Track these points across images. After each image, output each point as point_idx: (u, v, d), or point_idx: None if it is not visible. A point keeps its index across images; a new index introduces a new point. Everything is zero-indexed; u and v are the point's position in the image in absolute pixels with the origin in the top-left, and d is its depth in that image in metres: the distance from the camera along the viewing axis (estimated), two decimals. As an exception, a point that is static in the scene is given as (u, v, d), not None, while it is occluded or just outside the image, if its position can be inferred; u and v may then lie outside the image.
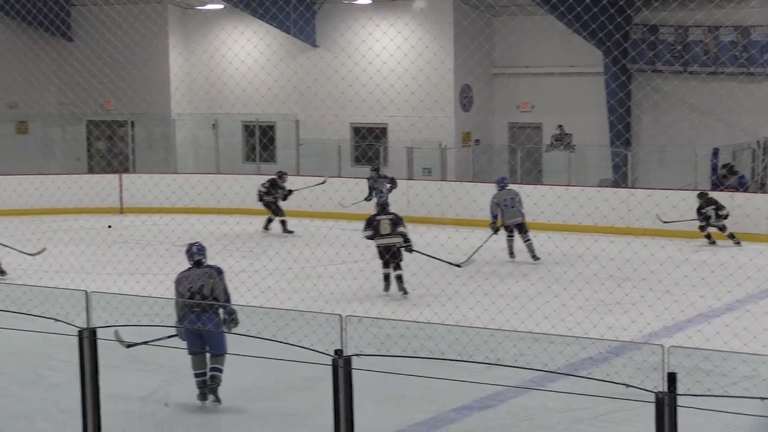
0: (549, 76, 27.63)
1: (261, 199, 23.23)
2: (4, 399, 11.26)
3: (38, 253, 18.50)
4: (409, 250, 16.40)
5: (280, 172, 23.73)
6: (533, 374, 10.68)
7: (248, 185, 24.97)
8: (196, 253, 11.01)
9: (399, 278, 16.16)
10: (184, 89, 29.67)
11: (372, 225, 16.48)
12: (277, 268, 18.47)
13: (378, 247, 16.39)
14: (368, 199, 23.07)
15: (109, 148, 30.71)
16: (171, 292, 15.33)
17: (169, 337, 10.61)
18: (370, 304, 15.07)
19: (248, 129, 29.69)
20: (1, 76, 29.36)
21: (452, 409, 10.50)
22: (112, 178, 27.51)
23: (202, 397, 10.56)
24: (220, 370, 10.51)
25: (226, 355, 10.44)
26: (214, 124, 29.03)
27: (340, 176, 26.05)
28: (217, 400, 10.56)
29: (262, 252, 20.30)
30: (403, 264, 16.31)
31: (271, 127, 29.19)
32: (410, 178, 25.98)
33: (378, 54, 24.14)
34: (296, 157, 28.32)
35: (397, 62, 24.71)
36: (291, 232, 22.89)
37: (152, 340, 10.54)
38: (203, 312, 10.57)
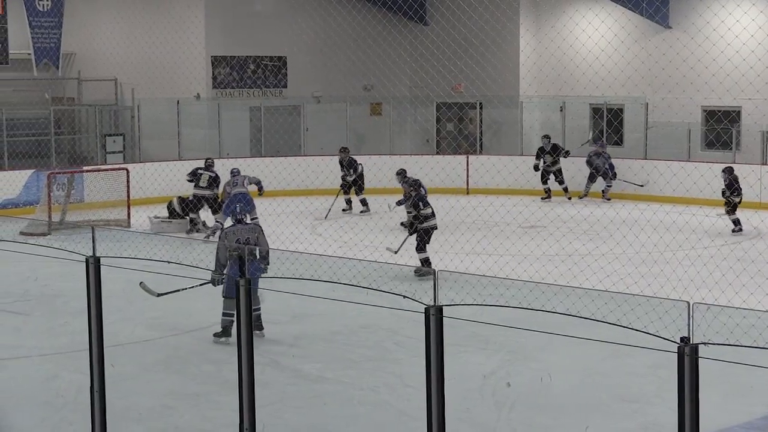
0: None
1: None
2: (356, 371, 11.66)
3: None
4: None
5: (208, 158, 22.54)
6: None
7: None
8: (238, 212, 12.61)
9: None
10: (534, 72, 29.70)
11: None
12: (623, 252, 18.16)
13: None
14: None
15: (459, 129, 31.26)
16: (515, 272, 15.54)
17: (202, 284, 11.50)
18: (720, 292, 14.49)
19: (597, 111, 29.37)
20: (358, 59, 30.42)
21: (804, 404, 9.99)
22: (460, 160, 27.98)
23: (225, 333, 11.96)
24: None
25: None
26: (561, 107, 28.92)
27: (689, 161, 25.25)
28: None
29: (608, 236, 20.02)
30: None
31: (621, 110, 28.74)
32: (764, 163, 24.84)
33: (738, 35, 23.16)
34: (644, 140, 27.75)
35: (758, 42, 23.60)
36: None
37: (183, 288, 11.56)
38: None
